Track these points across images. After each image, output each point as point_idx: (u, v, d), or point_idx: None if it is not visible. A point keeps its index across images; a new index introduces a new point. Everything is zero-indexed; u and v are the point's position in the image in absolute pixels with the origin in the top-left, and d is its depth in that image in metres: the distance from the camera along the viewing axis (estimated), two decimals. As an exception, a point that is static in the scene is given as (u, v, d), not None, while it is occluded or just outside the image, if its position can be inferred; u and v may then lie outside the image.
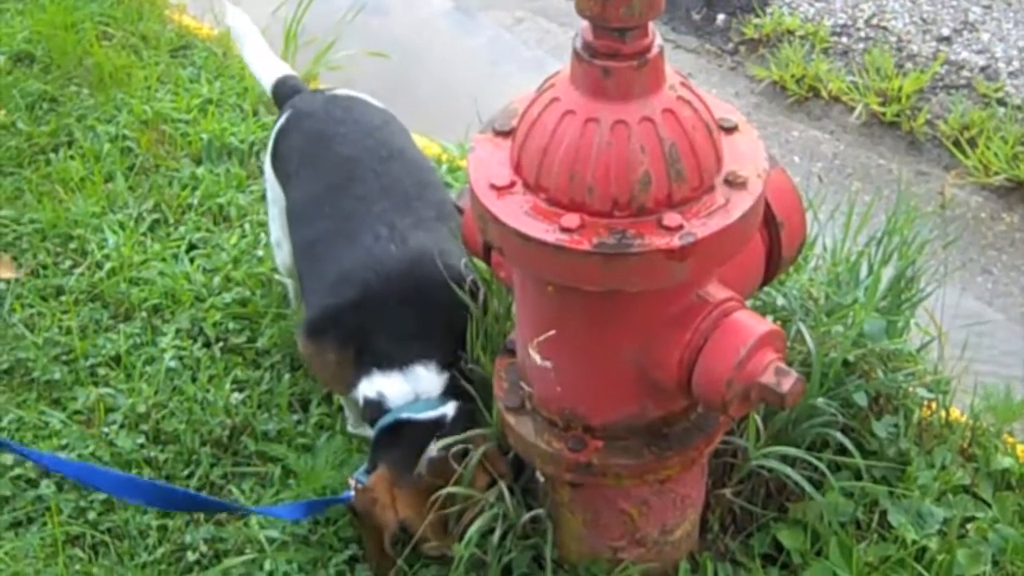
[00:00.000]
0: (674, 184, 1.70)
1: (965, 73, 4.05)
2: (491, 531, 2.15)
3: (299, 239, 2.53)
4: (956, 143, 3.72)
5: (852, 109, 3.96)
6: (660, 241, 1.67)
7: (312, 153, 2.58)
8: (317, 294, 2.40)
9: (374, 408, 2.28)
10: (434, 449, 2.17)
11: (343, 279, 2.33)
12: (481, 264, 2.30)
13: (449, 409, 2.25)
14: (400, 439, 2.24)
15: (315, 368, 2.42)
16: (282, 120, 2.71)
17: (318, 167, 2.55)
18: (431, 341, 2.28)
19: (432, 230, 2.37)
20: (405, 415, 2.24)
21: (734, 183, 1.75)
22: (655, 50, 1.68)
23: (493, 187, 1.77)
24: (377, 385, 2.27)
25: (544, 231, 1.70)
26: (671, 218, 1.69)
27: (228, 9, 3.12)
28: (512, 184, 1.77)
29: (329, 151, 2.54)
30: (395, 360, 2.26)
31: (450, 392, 2.26)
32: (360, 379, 2.29)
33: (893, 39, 4.25)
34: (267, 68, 2.99)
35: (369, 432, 2.34)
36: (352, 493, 2.26)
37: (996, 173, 3.60)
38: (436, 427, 2.22)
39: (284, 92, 2.86)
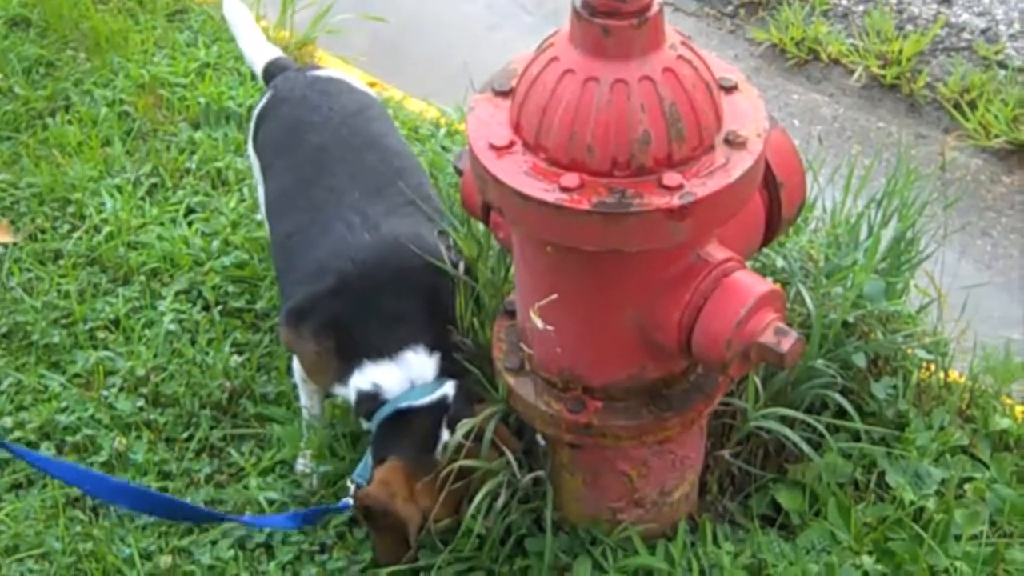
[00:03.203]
0: (674, 143, 1.69)
1: (966, 35, 4.03)
2: (494, 496, 2.15)
3: (275, 231, 2.52)
4: (956, 106, 3.71)
5: (852, 72, 3.94)
6: (660, 200, 1.67)
7: (286, 143, 2.57)
8: (294, 285, 2.37)
9: (370, 400, 2.24)
10: (447, 434, 2.16)
11: (319, 270, 2.31)
12: (459, 237, 2.31)
13: (448, 389, 2.23)
14: (405, 429, 2.21)
15: (298, 357, 2.41)
16: (263, 102, 2.71)
17: (291, 158, 2.54)
18: (416, 325, 2.25)
19: (406, 216, 2.36)
20: (404, 404, 2.22)
21: (734, 143, 1.74)
22: (655, 8, 1.67)
23: (492, 147, 1.76)
24: (370, 376, 2.24)
25: (544, 191, 1.69)
26: (671, 178, 1.68)
27: None
28: (511, 144, 1.76)
29: (302, 140, 2.54)
30: (384, 349, 2.24)
31: (445, 372, 2.25)
32: (352, 372, 2.26)
33: (893, 1, 4.22)
34: (259, 52, 2.98)
35: (366, 424, 2.31)
36: (350, 501, 2.23)
37: (996, 136, 3.59)
38: (440, 409, 2.21)
39: (273, 73, 2.85)
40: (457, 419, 2.17)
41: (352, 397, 2.28)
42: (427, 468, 2.16)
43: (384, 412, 2.23)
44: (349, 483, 2.28)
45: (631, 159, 1.69)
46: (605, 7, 1.66)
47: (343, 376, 2.28)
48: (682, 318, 1.81)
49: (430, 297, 2.28)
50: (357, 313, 2.26)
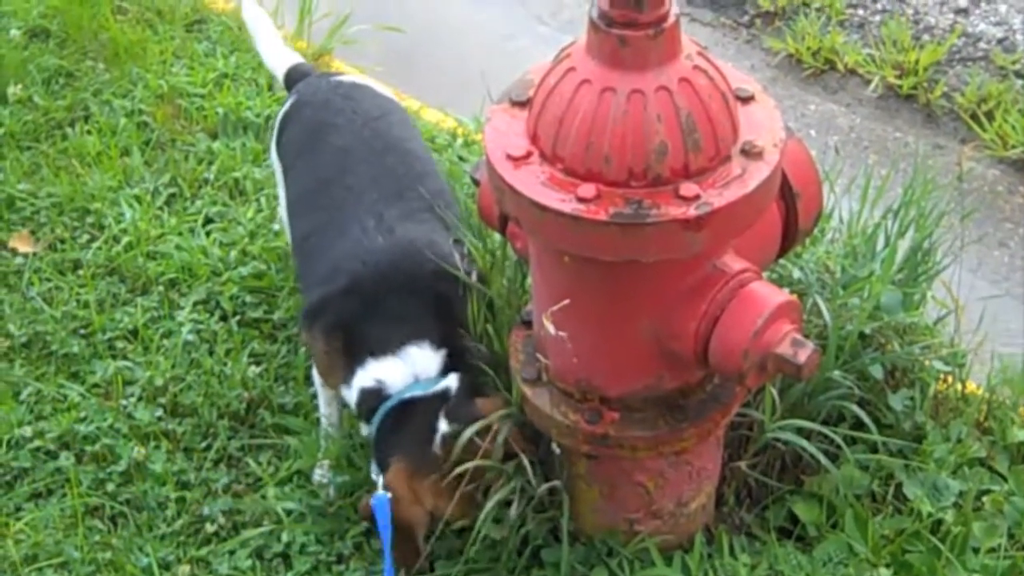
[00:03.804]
0: (690, 154, 1.70)
1: (982, 45, 4.02)
2: (508, 504, 2.15)
3: (296, 232, 2.53)
4: (973, 116, 3.70)
5: (868, 82, 3.94)
6: (676, 211, 1.67)
7: (309, 144, 2.59)
8: (310, 287, 2.39)
9: (373, 397, 2.24)
10: (444, 425, 2.16)
11: (332, 271, 2.32)
12: (473, 246, 2.31)
13: (451, 381, 2.23)
14: (407, 423, 2.21)
15: (313, 358, 2.43)
16: (286, 106, 2.72)
17: (314, 159, 2.55)
18: (422, 323, 2.26)
19: (422, 221, 2.37)
20: (408, 395, 2.21)
21: (751, 153, 1.74)
22: (671, 19, 1.68)
23: (510, 157, 1.77)
24: (373, 372, 2.24)
25: (560, 201, 1.69)
26: (687, 188, 1.68)
27: (244, 1, 3.13)
28: (528, 154, 1.77)
29: (324, 142, 2.55)
30: (388, 345, 2.24)
31: (450, 369, 2.24)
32: (355, 371, 2.26)
33: (910, 11, 4.22)
34: (279, 58, 2.99)
35: (366, 430, 2.31)
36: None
37: (1013, 146, 3.58)
38: (441, 401, 2.20)
39: (294, 78, 2.87)
40: (456, 411, 2.16)
41: (355, 398, 2.27)
42: (428, 464, 2.15)
43: (387, 405, 2.22)
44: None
45: (647, 169, 1.69)
46: (622, 18, 1.66)
47: (348, 376, 2.28)
48: (699, 328, 1.81)
49: (439, 301, 2.28)
50: (365, 313, 2.27)
